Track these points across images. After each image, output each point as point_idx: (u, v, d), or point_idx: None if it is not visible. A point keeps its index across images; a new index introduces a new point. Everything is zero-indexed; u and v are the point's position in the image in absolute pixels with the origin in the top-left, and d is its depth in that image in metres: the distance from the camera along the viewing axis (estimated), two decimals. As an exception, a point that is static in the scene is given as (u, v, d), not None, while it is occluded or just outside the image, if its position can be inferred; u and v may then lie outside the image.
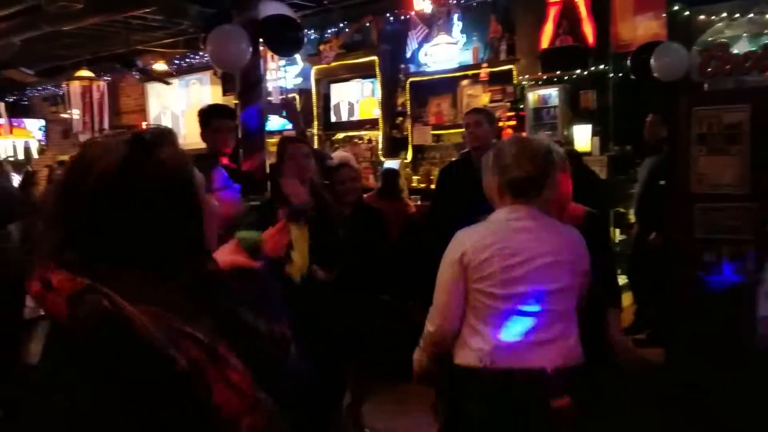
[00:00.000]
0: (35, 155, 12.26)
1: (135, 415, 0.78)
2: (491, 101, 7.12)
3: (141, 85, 11.34)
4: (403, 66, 7.87)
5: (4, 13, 6.78)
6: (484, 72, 7.16)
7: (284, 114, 6.89)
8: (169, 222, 0.92)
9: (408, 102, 7.83)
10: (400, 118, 7.94)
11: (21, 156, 11.63)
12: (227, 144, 3.57)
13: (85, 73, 9.09)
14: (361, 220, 3.43)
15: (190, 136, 9.11)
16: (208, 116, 3.55)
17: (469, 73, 7.38)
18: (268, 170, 4.44)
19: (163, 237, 0.92)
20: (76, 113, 8.96)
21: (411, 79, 7.78)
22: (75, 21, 6.84)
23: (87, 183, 0.89)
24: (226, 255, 1.22)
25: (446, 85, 7.60)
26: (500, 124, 6.87)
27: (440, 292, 2.03)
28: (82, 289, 0.81)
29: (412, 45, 7.77)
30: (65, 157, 11.58)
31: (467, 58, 7.45)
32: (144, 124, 11.40)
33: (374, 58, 7.89)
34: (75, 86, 8.87)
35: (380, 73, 7.90)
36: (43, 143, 12.76)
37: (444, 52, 7.46)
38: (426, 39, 7.62)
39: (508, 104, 7.02)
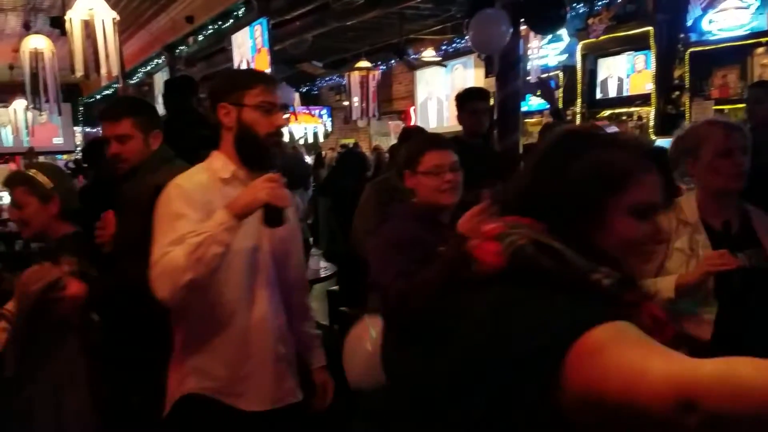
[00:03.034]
0: (321, 139, 13.84)
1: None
2: (791, 71, 6.15)
3: (411, 73, 12.02)
4: (682, 35, 7.17)
5: (298, 13, 7.73)
6: (783, 37, 6.21)
7: (539, 93, 6.77)
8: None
9: (687, 74, 7.12)
10: (677, 93, 7.26)
11: (311, 140, 13.26)
12: (481, 125, 3.65)
13: (363, 63, 9.93)
14: None
15: (451, 119, 9.45)
16: (463, 99, 3.67)
17: (763, 40, 6.47)
18: (522, 150, 4.42)
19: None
20: (355, 101, 9.84)
21: (691, 50, 7.05)
22: (357, 15, 7.53)
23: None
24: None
25: (734, 54, 6.75)
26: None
27: None
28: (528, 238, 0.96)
29: (694, 12, 7.02)
30: (347, 141, 12.88)
31: (762, 23, 6.54)
32: (411, 109, 12.13)
33: (649, 28, 7.33)
34: (355, 76, 9.73)
35: (655, 44, 7.31)
36: (328, 129, 14.33)
37: (733, 17, 6.67)
38: (711, 4, 6.83)
39: (814, 74, 6.01)
